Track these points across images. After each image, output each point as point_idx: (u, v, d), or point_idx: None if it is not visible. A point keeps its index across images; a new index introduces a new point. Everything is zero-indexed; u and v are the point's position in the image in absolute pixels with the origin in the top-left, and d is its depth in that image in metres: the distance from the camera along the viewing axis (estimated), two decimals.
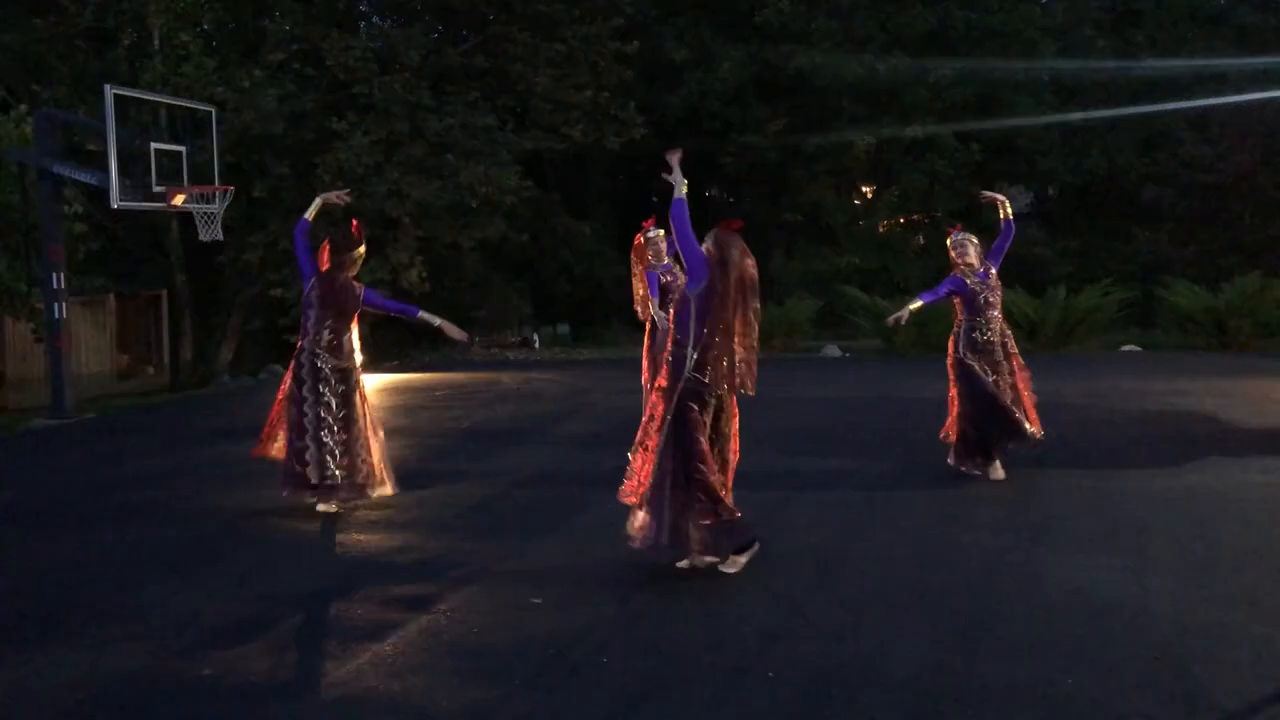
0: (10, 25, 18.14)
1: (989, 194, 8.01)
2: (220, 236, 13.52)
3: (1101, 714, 3.84)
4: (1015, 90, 21.96)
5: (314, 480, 6.93)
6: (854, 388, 13.77)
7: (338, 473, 6.91)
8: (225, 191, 13.31)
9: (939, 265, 21.90)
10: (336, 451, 6.91)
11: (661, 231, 8.32)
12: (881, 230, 23.27)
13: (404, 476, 8.13)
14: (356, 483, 7.02)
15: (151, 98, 13.72)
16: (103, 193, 12.20)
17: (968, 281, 7.59)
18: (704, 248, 5.39)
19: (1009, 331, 7.79)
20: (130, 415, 13.10)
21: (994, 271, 7.67)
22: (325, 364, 6.97)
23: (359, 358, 7.23)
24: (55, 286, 12.43)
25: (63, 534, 6.87)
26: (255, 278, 18.43)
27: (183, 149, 12.90)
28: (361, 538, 6.48)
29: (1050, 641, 4.48)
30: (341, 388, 7.02)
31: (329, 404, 6.96)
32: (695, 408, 5.32)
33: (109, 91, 11.92)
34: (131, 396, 15.17)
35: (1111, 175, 22.73)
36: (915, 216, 24.08)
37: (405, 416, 11.45)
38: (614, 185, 25.99)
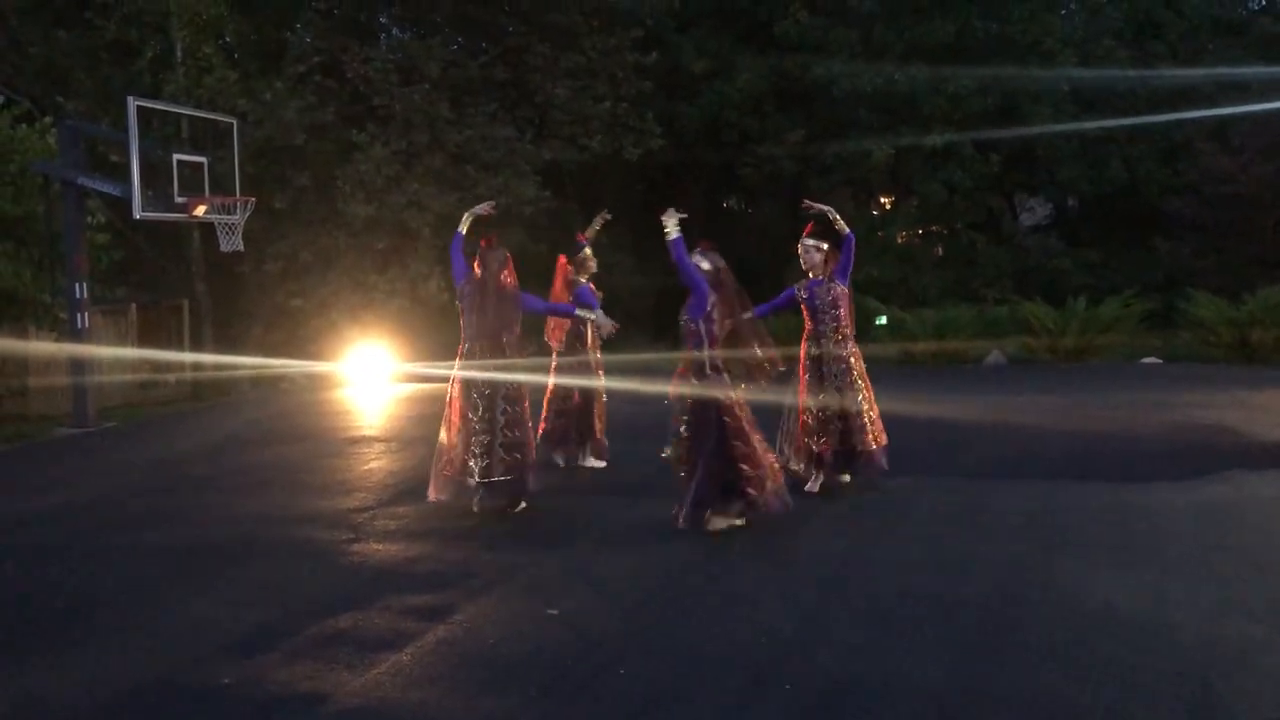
0: (35, 38, 18.36)
1: (813, 205, 7.68)
2: (241, 247, 13.63)
3: None
4: (1035, 100, 21.86)
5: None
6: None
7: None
8: (246, 202, 13.42)
9: (957, 276, 21.99)
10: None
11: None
12: (900, 241, 23.20)
13: (420, 486, 8.17)
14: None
15: (174, 109, 13.88)
16: (125, 203, 12.33)
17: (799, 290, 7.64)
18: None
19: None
20: (151, 424, 13.18)
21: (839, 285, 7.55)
22: None
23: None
24: (78, 296, 12.54)
25: (83, 541, 6.93)
26: (276, 288, 18.55)
27: (204, 160, 13.03)
28: (379, 547, 6.50)
29: (1069, 653, 4.45)
30: None
31: None
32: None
33: (132, 103, 12.04)
34: (153, 405, 15.27)
35: (1132, 186, 22.60)
36: (934, 227, 24.02)
37: (423, 426, 11.48)
38: (633, 195, 26.03)
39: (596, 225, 9.23)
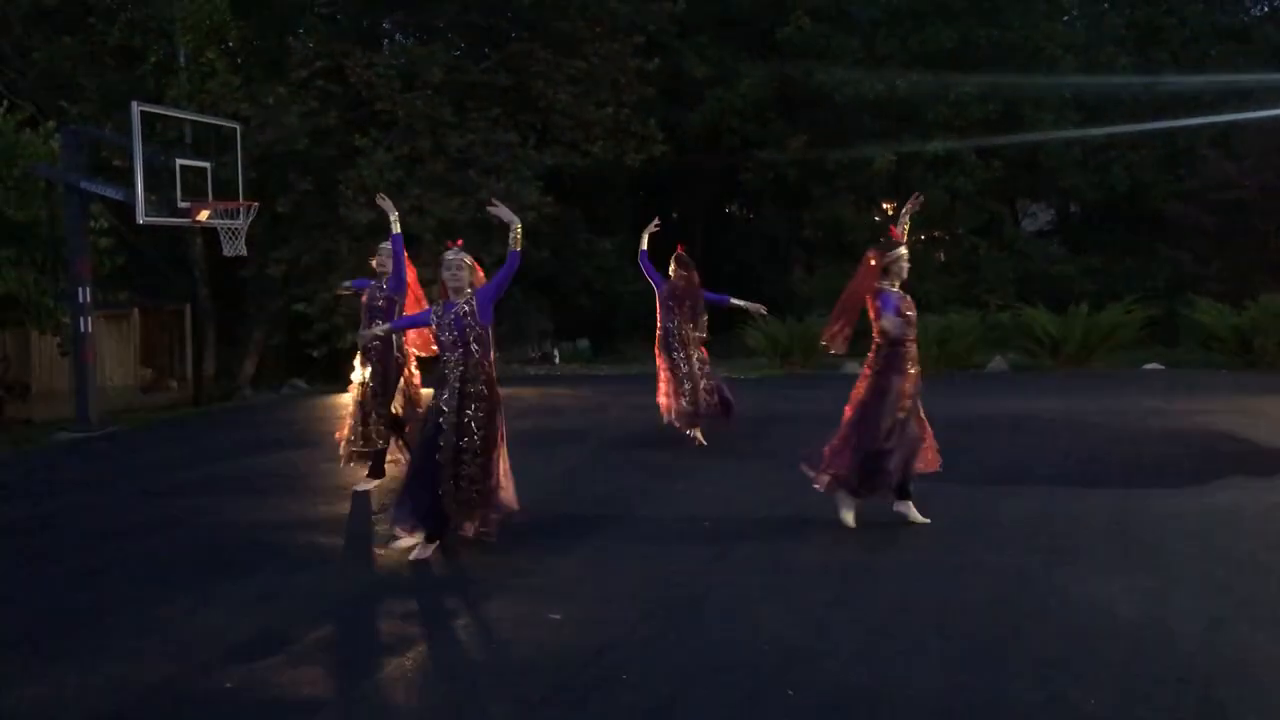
0: (39, 43, 18.39)
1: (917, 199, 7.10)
2: (244, 252, 13.63)
3: None
4: (1037, 107, 21.89)
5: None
6: None
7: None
8: (249, 207, 13.42)
9: (960, 281, 21.98)
10: None
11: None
12: None
13: None
14: None
15: (177, 114, 13.87)
16: (128, 208, 12.33)
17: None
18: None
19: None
20: (154, 429, 13.19)
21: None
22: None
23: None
24: (81, 300, 12.55)
25: (87, 546, 6.93)
26: (278, 292, 18.56)
27: (207, 165, 13.03)
28: (383, 551, 6.50)
29: (1073, 661, 4.44)
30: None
31: None
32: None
33: (135, 108, 12.05)
34: (155, 410, 15.28)
35: (1134, 192, 22.61)
36: (936, 233, 24.02)
37: None
38: (635, 201, 26.06)
39: (645, 235, 9.67)
